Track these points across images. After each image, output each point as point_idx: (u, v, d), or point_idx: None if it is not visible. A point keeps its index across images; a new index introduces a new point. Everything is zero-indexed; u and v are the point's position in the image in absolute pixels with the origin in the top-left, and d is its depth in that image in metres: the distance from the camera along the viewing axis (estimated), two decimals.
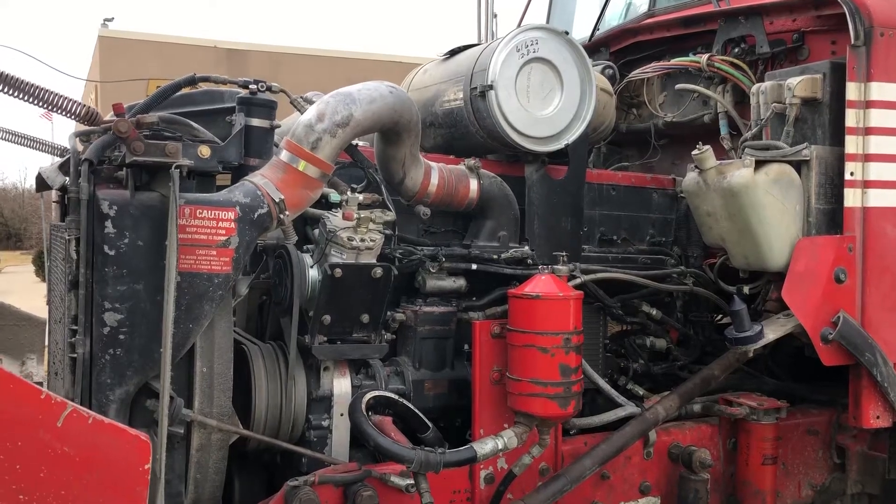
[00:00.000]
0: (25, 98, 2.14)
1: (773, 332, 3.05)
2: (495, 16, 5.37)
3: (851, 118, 3.03)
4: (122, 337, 2.33)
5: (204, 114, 2.70)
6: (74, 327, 2.32)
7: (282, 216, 2.49)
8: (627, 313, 3.51)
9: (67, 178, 2.36)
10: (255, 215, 2.45)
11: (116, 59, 15.50)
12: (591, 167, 4.06)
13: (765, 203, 3.00)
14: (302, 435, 2.81)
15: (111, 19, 16.70)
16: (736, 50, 3.61)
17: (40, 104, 2.17)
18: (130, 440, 1.82)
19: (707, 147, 3.08)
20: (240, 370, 2.78)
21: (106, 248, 2.31)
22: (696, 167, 3.13)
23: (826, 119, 3.11)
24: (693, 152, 3.10)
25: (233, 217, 2.42)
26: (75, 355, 2.30)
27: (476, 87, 3.13)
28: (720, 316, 3.82)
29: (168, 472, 2.47)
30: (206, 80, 2.68)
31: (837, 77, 3.08)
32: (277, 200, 2.48)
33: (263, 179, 2.51)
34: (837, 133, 3.08)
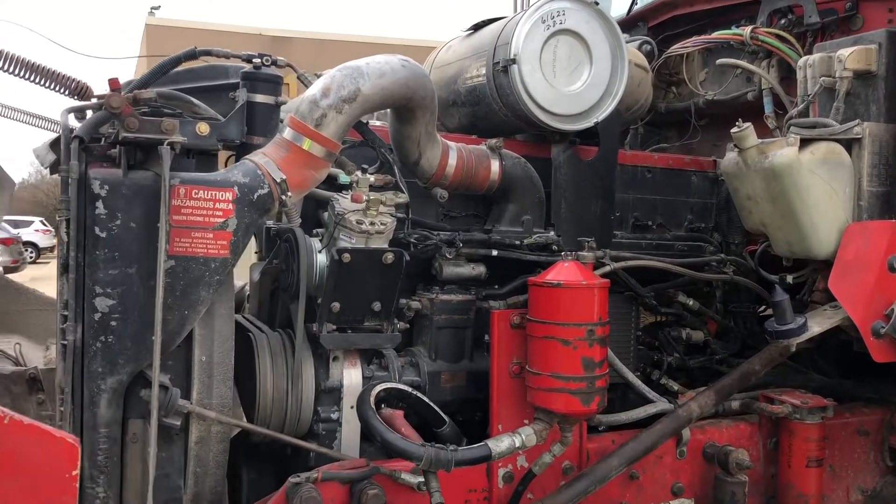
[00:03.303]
0: (9, 68, 2.03)
1: (818, 325, 2.83)
2: None
3: None
4: (113, 323, 2.21)
5: (207, 90, 2.58)
6: (65, 313, 2.21)
7: (284, 197, 2.35)
8: (662, 303, 3.31)
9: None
10: (255, 196, 2.31)
11: (163, 47, 15.64)
12: (626, 148, 3.86)
13: (810, 185, 2.77)
14: (310, 428, 2.68)
15: (158, 8, 16.87)
16: (782, 21, 3.36)
17: (26, 74, 2.05)
18: (54, 443, 1.67)
19: (747, 124, 2.85)
20: (248, 359, 2.67)
21: (97, 229, 2.19)
22: (736, 146, 2.91)
23: (881, 93, 2.85)
24: (732, 130, 2.88)
25: (230, 198, 2.28)
26: (66, 342, 2.20)
27: (498, 62, 2.95)
28: (763, 307, 3.59)
29: (167, 465, 2.38)
30: (207, 53, 2.55)
31: (895, 47, 2.82)
32: (279, 181, 2.33)
33: (265, 158, 2.37)
34: (894, 108, 2.83)
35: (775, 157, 2.79)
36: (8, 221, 22.45)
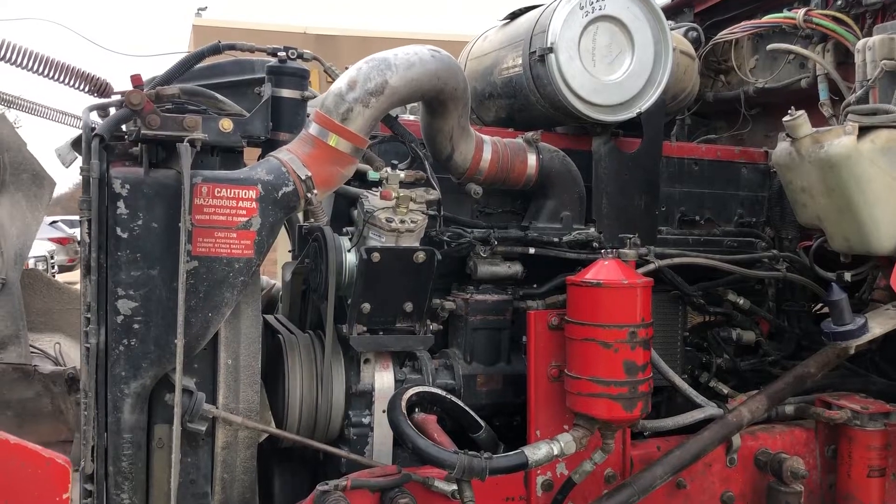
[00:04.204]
0: (28, 65, 1.98)
1: (879, 325, 2.64)
2: None
3: None
4: (136, 326, 2.16)
5: (232, 85, 2.51)
6: (88, 315, 2.17)
7: (309, 195, 2.27)
8: (711, 302, 3.16)
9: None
10: (279, 194, 2.24)
11: None
12: (672, 140, 3.70)
13: (870, 176, 2.58)
14: (341, 432, 2.60)
15: (204, 8, 17.01)
16: (839, 2, 3.16)
17: (43, 70, 2.00)
18: (43, 464, 1.59)
19: (801, 112, 2.68)
20: (277, 361, 2.60)
21: (118, 230, 2.14)
22: (788, 136, 2.74)
23: None
24: (784, 119, 2.71)
25: (254, 196, 2.21)
26: (88, 345, 2.15)
27: (535, 51, 2.83)
28: (819, 305, 3.40)
29: (193, 471, 2.32)
30: (231, 47, 2.48)
31: None
32: (304, 178, 2.25)
33: (289, 155, 2.29)
34: None
35: (832, 147, 2.62)
36: (64, 221, 22.94)
